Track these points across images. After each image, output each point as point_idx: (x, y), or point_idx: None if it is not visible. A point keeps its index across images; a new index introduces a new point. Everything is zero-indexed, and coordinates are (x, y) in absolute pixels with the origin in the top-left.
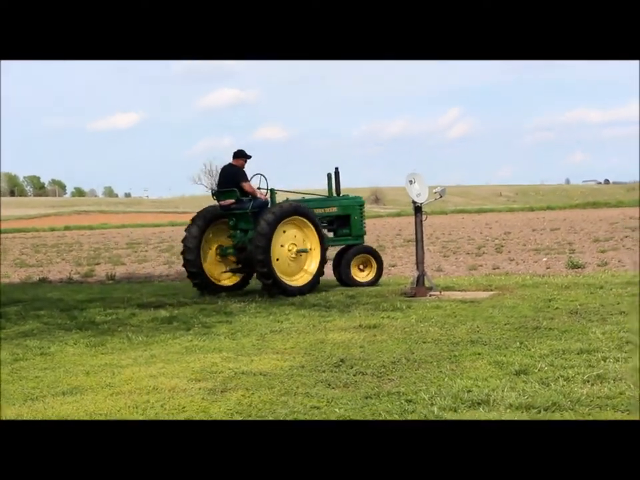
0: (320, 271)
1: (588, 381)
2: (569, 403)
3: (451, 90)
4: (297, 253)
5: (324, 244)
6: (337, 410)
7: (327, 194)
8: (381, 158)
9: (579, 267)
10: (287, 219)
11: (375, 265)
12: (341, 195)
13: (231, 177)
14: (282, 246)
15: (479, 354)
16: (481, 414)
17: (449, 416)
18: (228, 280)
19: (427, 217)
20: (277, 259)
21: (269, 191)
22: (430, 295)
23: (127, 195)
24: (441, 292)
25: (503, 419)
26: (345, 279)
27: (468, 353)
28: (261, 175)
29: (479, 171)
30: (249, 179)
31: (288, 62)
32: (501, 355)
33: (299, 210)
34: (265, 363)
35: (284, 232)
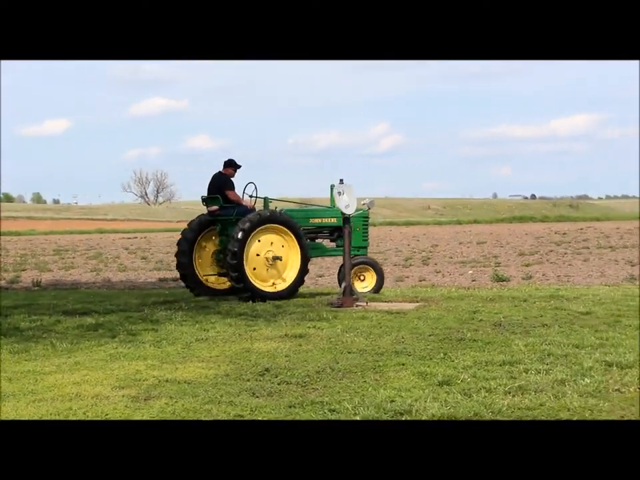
0: (298, 279)
1: (509, 392)
2: (491, 413)
3: (381, 102)
4: (272, 259)
5: (305, 253)
6: (260, 419)
7: (329, 204)
8: (312, 169)
9: (503, 280)
10: (264, 226)
11: (374, 276)
12: None
13: (217, 185)
14: (258, 255)
15: (403, 364)
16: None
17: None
18: (223, 284)
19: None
20: (254, 268)
21: (256, 199)
22: (356, 306)
23: (56, 202)
24: (367, 303)
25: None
26: None
27: (392, 364)
28: (252, 183)
29: (407, 184)
30: (244, 187)
31: (218, 71)
32: (425, 365)
33: (277, 218)
34: (190, 371)
35: (258, 241)
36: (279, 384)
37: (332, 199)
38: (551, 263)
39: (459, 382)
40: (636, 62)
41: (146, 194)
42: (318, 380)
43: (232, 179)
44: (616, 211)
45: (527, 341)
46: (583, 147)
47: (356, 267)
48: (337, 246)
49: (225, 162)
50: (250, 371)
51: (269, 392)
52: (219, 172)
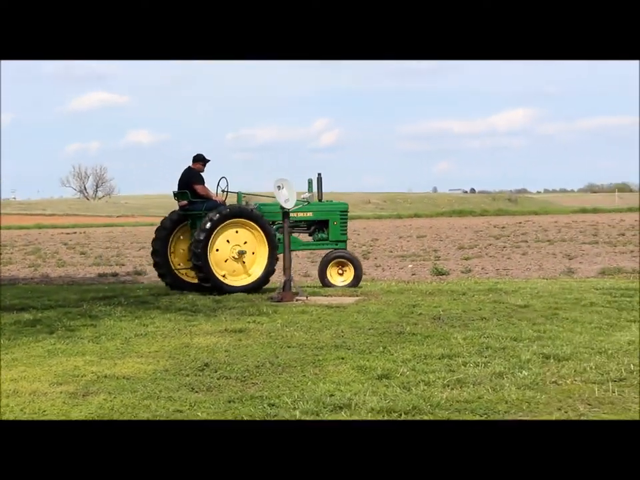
0: (266, 274)
1: (448, 385)
2: (429, 407)
3: (323, 96)
4: (238, 254)
5: (273, 248)
6: (199, 414)
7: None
8: (253, 164)
9: (443, 274)
10: (233, 220)
11: (352, 269)
12: (322, 200)
13: (186, 180)
14: (225, 248)
15: (343, 358)
16: (342, 418)
17: (311, 420)
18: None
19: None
20: (226, 260)
21: (227, 194)
22: (296, 300)
23: None
24: (307, 297)
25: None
26: (322, 282)
27: (332, 358)
28: (224, 178)
29: (348, 179)
30: (218, 181)
31: (159, 66)
32: (364, 359)
33: (243, 213)
34: (129, 366)
35: (227, 234)
36: (218, 379)
37: (319, 192)
38: (490, 256)
39: (398, 375)
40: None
41: (85, 189)
42: (257, 374)
43: (202, 173)
44: (554, 204)
45: (466, 334)
46: (522, 142)
47: (334, 261)
48: (315, 240)
49: (194, 157)
50: (189, 366)
51: (208, 387)
52: (189, 167)
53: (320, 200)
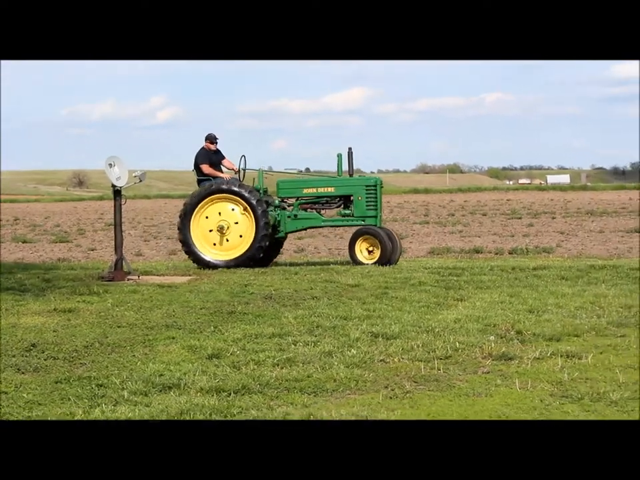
0: (251, 249)
1: (278, 365)
2: (259, 386)
3: (159, 74)
4: (218, 229)
5: (259, 223)
6: (25, 395)
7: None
8: (87, 140)
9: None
10: (213, 196)
11: (379, 247)
12: (353, 175)
13: (195, 160)
14: (212, 219)
15: (173, 338)
16: (171, 397)
17: (139, 400)
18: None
19: (125, 201)
20: (211, 229)
21: (244, 171)
22: (128, 279)
23: None
24: (139, 276)
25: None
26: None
27: (162, 337)
28: (243, 156)
29: (184, 157)
30: (239, 160)
31: None
32: (195, 339)
33: (222, 190)
34: None
35: (211, 210)
36: (45, 359)
37: (339, 168)
38: (323, 236)
39: (229, 355)
40: None
41: None
42: (86, 355)
43: (211, 152)
44: (387, 184)
45: (297, 313)
46: (357, 121)
47: (361, 238)
48: (340, 215)
49: (205, 136)
50: (16, 346)
51: (35, 367)
52: (202, 147)
53: (351, 175)
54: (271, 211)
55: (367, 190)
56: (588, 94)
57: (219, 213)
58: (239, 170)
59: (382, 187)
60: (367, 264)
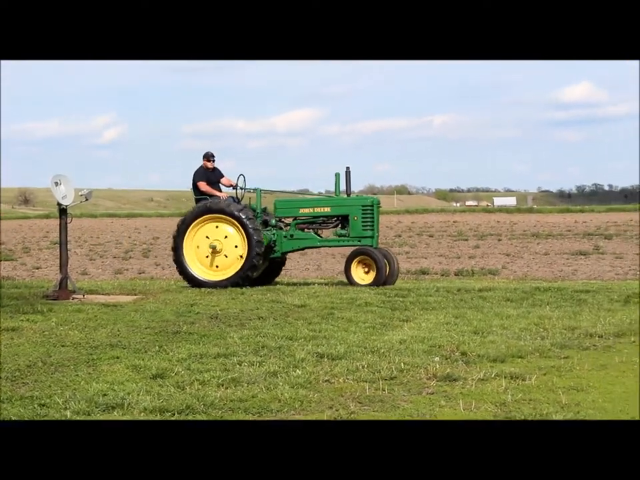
0: (242, 269)
1: (222, 385)
2: (203, 406)
3: (105, 91)
4: (211, 248)
5: (251, 242)
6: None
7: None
8: (33, 158)
9: None
10: (205, 216)
11: (375, 267)
12: (350, 195)
13: (193, 178)
14: (205, 239)
15: (118, 357)
16: (115, 417)
17: (82, 420)
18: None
19: (71, 219)
20: (207, 256)
21: (244, 190)
22: (73, 298)
23: None
24: (84, 295)
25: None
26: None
27: (106, 357)
28: (242, 175)
29: (133, 176)
30: (237, 179)
31: None
32: (140, 358)
33: (213, 209)
34: None
35: (198, 234)
36: None
37: (336, 188)
38: (317, 254)
39: (173, 375)
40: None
41: None
42: (29, 374)
43: (208, 170)
44: None
45: (242, 333)
46: (301, 142)
47: (357, 259)
48: (336, 235)
49: (203, 154)
50: None
51: None
52: (200, 165)
53: (348, 195)
54: (267, 230)
55: (363, 210)
56: (533, 117)
57: (211, 234)
58: (236, 187)
59: (379, 207)
60: (362, 284)
